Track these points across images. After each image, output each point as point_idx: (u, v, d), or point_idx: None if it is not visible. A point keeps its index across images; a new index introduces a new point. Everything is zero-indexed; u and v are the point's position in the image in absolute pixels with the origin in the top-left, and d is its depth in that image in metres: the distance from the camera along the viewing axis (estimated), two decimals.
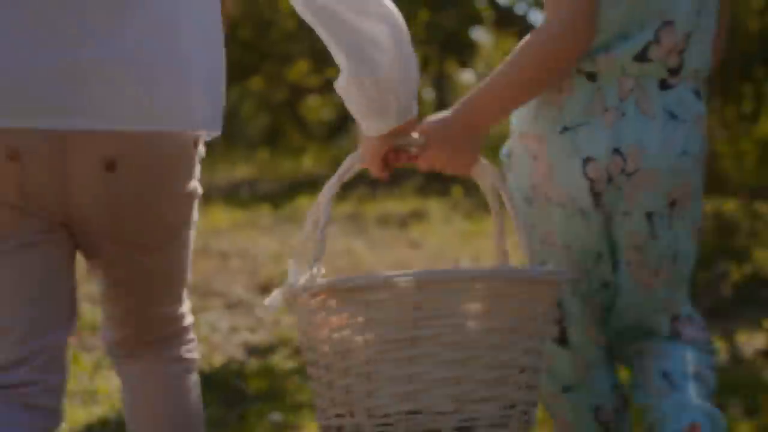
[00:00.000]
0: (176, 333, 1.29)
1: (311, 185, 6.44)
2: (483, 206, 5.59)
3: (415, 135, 1.27)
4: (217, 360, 2.57)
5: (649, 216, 1.26)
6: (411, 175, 6.76)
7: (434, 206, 5.70)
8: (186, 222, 1.22)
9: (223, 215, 5.86)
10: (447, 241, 4.68)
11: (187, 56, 1.11)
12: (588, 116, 1.24)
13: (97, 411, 2.21)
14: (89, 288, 3.46)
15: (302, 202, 6.28)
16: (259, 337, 2.92)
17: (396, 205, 6.15)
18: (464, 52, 9.75)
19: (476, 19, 9.47)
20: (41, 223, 1.12)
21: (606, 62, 1.24)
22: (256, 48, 8.97)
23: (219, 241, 4.55)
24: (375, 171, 1.29)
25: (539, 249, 1.30)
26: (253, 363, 2.65)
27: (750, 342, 2.78)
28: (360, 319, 1.15)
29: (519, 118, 1.32)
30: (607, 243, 1.29)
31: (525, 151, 1.30)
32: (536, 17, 9.70)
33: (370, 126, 1.25)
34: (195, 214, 1.24)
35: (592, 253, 1.29)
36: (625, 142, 1.23)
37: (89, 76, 1.05)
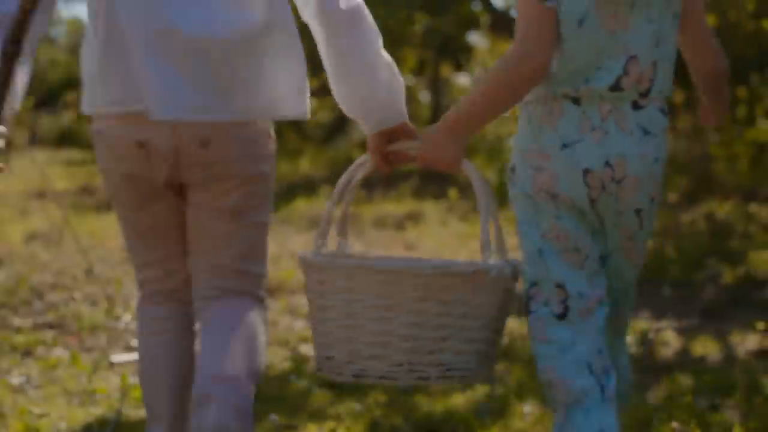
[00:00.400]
0: (252, 291, 1.62)
1: (308, 187, 6.47)
2: (477, 210, 5.63)
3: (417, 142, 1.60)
4: None
5: (638, 212, 1.54)
6: (407, 177, 6.77)
7: (430, 208, 5.72)
8: (261, 192, 1.60)
9: None
10: (443, 243, 4.70)
11: (274, 71, 1.54)
12: (581, 134, 1.50)
13: (96, 411, 2.22)
14: (90, 290, 3.48)
15: (300, 204, 6.29)
16: None
17: (392, 207, 6.16)
18: (460, 55, 9.77)
19: (472, 24, 9.49)
20: (163, 189, 1.58)
21: (587, 91, 1.50)
22: None
23: None
24: (374, 164, 1.61)
25: (540, 241, 1.55)
26: None
27: (743, 343, 2.80)
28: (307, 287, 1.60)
29: (521, 139, 1.57)
30: (599, 235, 1.56)
31: (526, 165, 1.54)
32: None
33: (361, 126, 1.62)
34: (267, 202, 1.63)
35: (588, 240, 1.55)
36: (612, 156, 1.50)
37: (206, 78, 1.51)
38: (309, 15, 1.56)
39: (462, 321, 1.52)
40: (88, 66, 1.56)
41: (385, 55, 1.60)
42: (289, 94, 1.57)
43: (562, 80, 1.50)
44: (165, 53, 1.48)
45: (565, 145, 1.50)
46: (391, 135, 1.60)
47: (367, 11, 1.58)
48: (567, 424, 1.52)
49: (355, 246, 4.60)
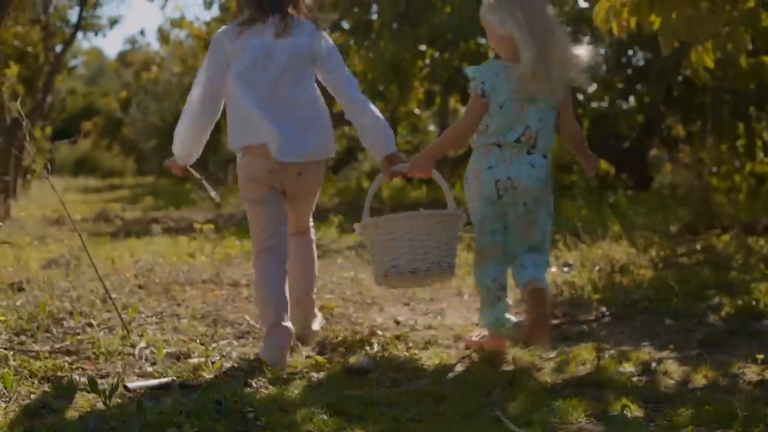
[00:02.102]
0: (308, 230, 3.29)
1: (320, 217, 6.53)
2: None
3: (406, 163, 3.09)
4: (228, 388, 2.59)
5: (525, 204, 2.98)
6: (416, 207, 6.82)
7: None
8: (316, 192, 3.18)
9: (234, 246, 5.94)
10: None
11: (321, 127, 3.07)
12: (499, 162, 2.97)
13: None
14: (107, 317, 3.54)
15: None
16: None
17: None
18: (467, 88, 9.85)
19: (480, 57, 9.59)
20: (277, 191, 3.07)
21: (504, 142, 2.97)
22: None
23: (230, 270, 4.62)
24: (385, 177, 3.10)
25: (479, 213, 3.01)
26: (264, 391, 2.68)
27: (744, 374, 2.81)
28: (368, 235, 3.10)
29: (472, 164, 3.05)
30: (501, 216, 3.00)
31: (474, 177, 3.03)
32: None
33: (375, 155, 3.19)
34: (318, 190, 3.21)
35: (495, 220, 3.00)
36: (513, 175, 2.95)
37: (298, 136, 3.04)
38: (341, 99, 3.09)
39: (447, 240, 3.02)
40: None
41: (382, 116, 3.13)
42: (330, 145, 3.13)
43: (491, 136, 2.97)
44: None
45: (489, 167, 2.97)
46: (390, 158, 3.07)
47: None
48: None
49: (365, 274, 4.66)
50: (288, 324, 2.95)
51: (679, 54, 5.50)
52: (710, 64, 4.01)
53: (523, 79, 2.90)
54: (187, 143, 3.14)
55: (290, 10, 3.03)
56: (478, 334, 3.21)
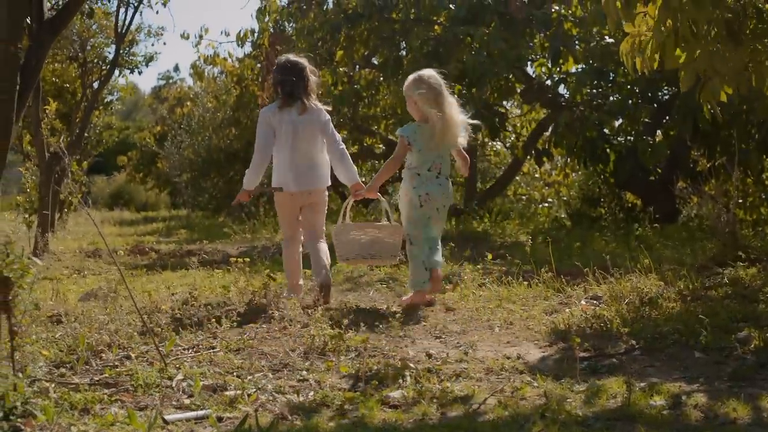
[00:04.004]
0: (322, 239, 5.14)
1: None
2: (512, 273, 5.62)
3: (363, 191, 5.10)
4: (264, 419, 2.64)
5: (437, 208, 4.92)
6: (445, 242, 6.84)
7: (467, 272, 5.79)
8: (323, 208, 5.18)
9: (268, 279, 6.01)
10: (480, 305, 4.76)
11: (320, 166, 5.14)
12: (420, 185, 4.89)
13: None
14: (144, 349, 3.61)
15: (340, 266, 6.41)
16: (302, 398, 3.00)
17: None
18: (494, 123, 9.92)
19: (508, 92, 9.65)
20: (296, 207, 5.16)
21: (421, 172, 4.92)
22: None
23: (265, 303, 4.67)
24: (352, 198, 5.15)
25: (409, 220, 4.91)
26: (299, 423, 2.72)
27: None
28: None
29: (403, 186, 4.98)
30: (424, 216, 4.89)
31: (404, 194, 4.96)
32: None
33: (346, 183, 5.22)
34: (326, 206, 5.24)
35: (419, 218, 4.90)
36: (428, 191, 4.89)
37: (305, 175, 5.11)
38: (328, 150, 5.08)
39: (387, 239, 4.99)
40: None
41: (351, 161, 5.13)
42: (328, 176, 5.13)
43: (413, 169, 4.89)
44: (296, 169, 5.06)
45: (414, 188, 4.88)
46: (355, 186, 5.04)
47: (345, 148, 5.21)
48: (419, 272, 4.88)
49: (395, 307, 4.71)
50: (301, 282, 5.05)
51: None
52: (724, 98, 4.03)
53: (432, 135, 4.77)
54: (252, 180, 5.08)
55: (305, 97, 5.03)
56: (407, 297, 4.92)
